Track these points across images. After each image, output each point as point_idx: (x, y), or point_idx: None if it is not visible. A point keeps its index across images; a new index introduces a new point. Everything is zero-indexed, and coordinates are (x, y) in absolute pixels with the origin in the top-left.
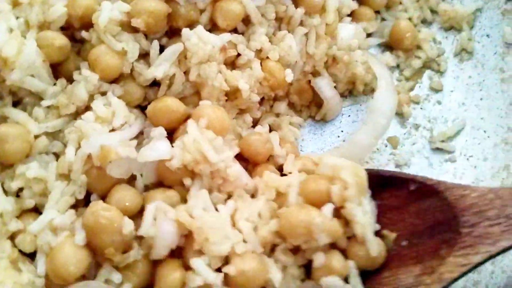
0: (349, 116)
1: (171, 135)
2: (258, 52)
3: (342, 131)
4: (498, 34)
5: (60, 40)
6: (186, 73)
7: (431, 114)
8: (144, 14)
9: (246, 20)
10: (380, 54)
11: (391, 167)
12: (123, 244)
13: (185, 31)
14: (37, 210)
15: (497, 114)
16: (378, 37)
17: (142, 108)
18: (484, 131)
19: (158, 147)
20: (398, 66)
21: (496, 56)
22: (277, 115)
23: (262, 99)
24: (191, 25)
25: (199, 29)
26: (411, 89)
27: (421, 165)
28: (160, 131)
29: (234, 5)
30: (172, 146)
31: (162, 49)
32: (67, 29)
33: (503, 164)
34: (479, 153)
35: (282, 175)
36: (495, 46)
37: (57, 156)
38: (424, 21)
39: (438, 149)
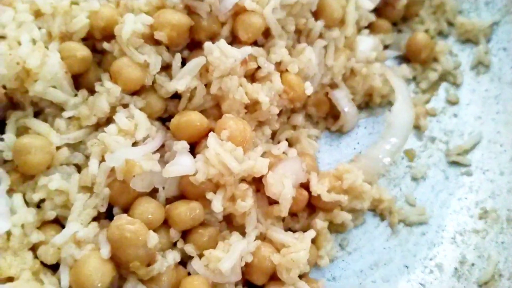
0: (365, 128)
1: (193, 147)
2: (278, 64)
3: (358, 143)
4: None
5: (82, 51)
6: (207, 85)
7: (447, 127)
8: (167, 27)
9: (266, 33)
10: (396, 66)
11: (407, 180)
12: (148, 257)
13: (207, 44)
14: (57, 221)
15: None
16: (395, 49)
17: (162, 119)
18: (501, 145)
19: (182, 162)
20: (414, 78)
21: None
22: (294, 127)
23: (280, 110)
24: (213, 38)
25: (222, 43)
26: (428, 101)
27: (437, 178)
28: (183, 145)
29: (255, 18)
30: (194, 158)
31: (183, 61)
32: (88, 39)
33: None
34: (496, 167)
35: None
36: None
37: (78, 167)
38: (440, 33)
39: (454, 162)
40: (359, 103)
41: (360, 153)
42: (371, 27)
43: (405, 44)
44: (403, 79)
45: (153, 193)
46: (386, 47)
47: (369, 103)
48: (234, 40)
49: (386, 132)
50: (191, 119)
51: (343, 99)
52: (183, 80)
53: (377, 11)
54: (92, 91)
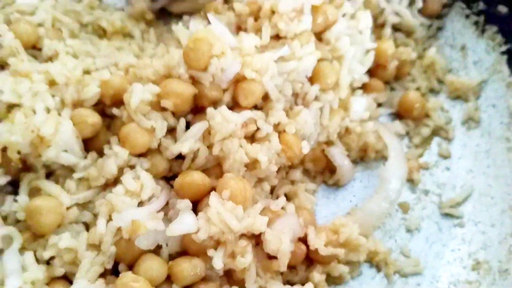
0: (361, 181)
1: (195, 205)
2: (276, 125)
3: (354, 196)
4: (503, 105)
5: (93, 118)
6: (209, 147)
7: (440, 180)
8: (172, 96)
9: (265, 96)
10: (390, 123)
11: (401, 232)
12: None
13: (210, 110)
14: (66, 278)
15: (504, 181)
16: (388, 107)
17: (166, 178)
18: (492, 198)
19: (185, 221)
20: (407, 133)
21: (502, 126)
22: (292, 181)
23: (279, 167)
24: (215, 103)
25: (223, 108)
26: (421, 155)
27: (431, 230)
28: (186, 204)
29: (254, 86)
30: (196, 215)
31: (187, 124)
32: (98, 104)
33: (510, 230)
34: (487, 219)
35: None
36: (501, 116)
37: (86, 225)
38: (432, 91)
39: (447, 215)
40: (354, 158)
41: (356, 206)
42: (364, 87)
43: (397, 101)
44: (397, 135)
45: (157, 249)
46: (379, 105)
47: (364, 157)
48: (235, 105)
49: (380, 187)
50: (194, 179)
51: (339, 156)
52: (187, 143)
53: (370, 71)
54: (101, 153)
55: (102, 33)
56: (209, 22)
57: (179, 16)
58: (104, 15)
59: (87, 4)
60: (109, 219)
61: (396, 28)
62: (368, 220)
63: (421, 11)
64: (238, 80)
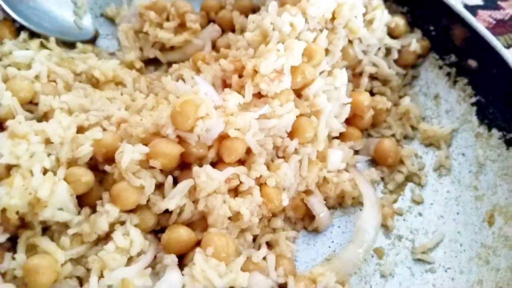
0: (339, 227)
1: (181, 258)
2: (258, 178)
3: (333, 242)
4: (472, 154)
5: (86, 177)
6: (194, 202)
7: (413, 226)
8: (161, 156)
9: (247, 150)
10: (366, 170)
11: (377, 277)
12: None
13: (196, 169)
14: None
15: (471, 229)
16: (364, 153)
17: (154, 231)
18: (461, 245)
19: (171, 279)
20: (382, 179)
21: (471, 175)
22: (274, 229)
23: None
24: (200, 159)
25: (208, 168)
26: (395, 201)
27: (404, 275)
28: (173, 259)
29: (237, 143)
30: (182, 270)
31: (174, 179)
32: (90, 159)
33: (477, 278)
34: (456, 266)
35: None
36: (470, 165)
37: (80, 279)
38: (406, 137)
39: (419, 260)
40: (332, 205)
41: (334, 252)
42: (341, 135)
43: (373, 149)
44: (372, 181)
45: None
46: (356, 151)
47: (341, 203)
48: (219, 160)
49: (356, 237)
50: (180, 235)
51: (317, 205)
52: (174, 200)
53: (347, 120)
54: (93, 207)
55: (95, 81)
56: (198, 71)
57: (169, 63)
58: (97, 64)
59: (81, 50)
60: (101, 275)
61: (372, 77)
62: (345, 268)
63: (396, 61)
64: (222, 137)
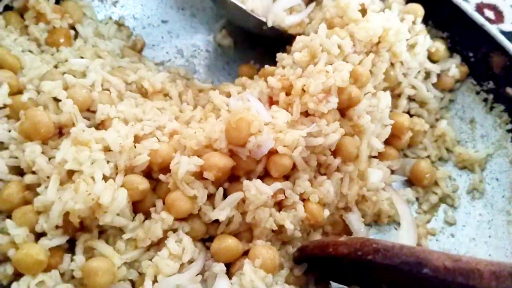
0: None
1: (227, 267)
2: (301, 194)
3: None
4: (506, 180)
5: (143, 185)
6: (242, 213)
7: (445, 246)
8: (214, 169)
9: (292, 166)
10: (402, 189)
11: None
12: None
13: (246, 183)
14: None
15: (503, 253)
16: (400, 173)
17: (203, 239)
18: None
19: (220, 287)
20: (417, 199)
21: (504, 199)
22: None
23: None
24: (249, 173)
25: (258, 182)
26: (428, 221)
27: None
28: (221, 267)
29: (285, 160)
30: (230, 279)
31: (224, 191)
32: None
33: None
34: None
35: None
36: (503, 190)
37: (132, 282)
38: (440, 159)
39: None
40: (369, 222)
41: None
42: (380, 155)
43: (409, 169)
44: (407, 201)
45: None
46: (392, 171)
47: (377, 221)
48: (266, 174)
49: None
50: (229, 245)
51: (356, 222)
52: (224, 211)
53: (385, 140)
54: (146, 214)
55: (144, 91)
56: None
57: None
58: (147, 75)
59: (130, 59)
60: (155, 279)
61: (411, 98)
62: None
63: (435, 85)
64: (271, 153)
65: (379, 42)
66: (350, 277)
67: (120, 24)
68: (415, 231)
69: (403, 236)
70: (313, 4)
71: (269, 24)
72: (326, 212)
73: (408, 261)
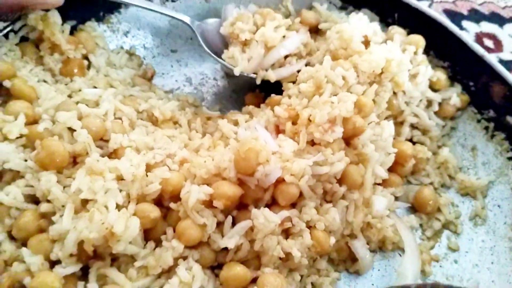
0: (379, 270)
1: None
2: (308, 221)
3: (373, 284)
4: (508, 206)
5: (155, 213)
6: (250, 241)
7: (449, 272)
8: (223, 197)
9: (299, 194)
10: (406, 216)
11: None
12: None
13: (254, 211)
14: None
15: (506, 279)
16: (403, 200)
17: (212, 267)
18: None
19: None
20: (421, 225)
21: (506, 226)
22: (318, 269)
23: None
24: (257, 201)
25: (266, 211)
26: (432, 247)
27: None
28: None
29: (292, 188)
30: None
31: (232, 219)
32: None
33: None
34: None
35: None
36: (505, 216)
37: None
38: (443, 185)
39: None
40: (373, 249)
41: None
42: (383, 182)
43: (413, 196)
44: (411, 228)
45: None
46: (396, 198)
47: (382, 248)
48: (273, 202)
49: (397, 281)
50: (238, 273)
51: (361, 249)
52: (233, 239)
53: (389, 168)
54: (157, 241)
55: (155, 119)
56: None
57: None
58: (158, 104)
59: (141, 88)
60: None
61: (413, 126)
62: None
63: (436, 113)
64: (278, 181)
65: (382, 73)
66: None
67: (131, 54)
68: (419, 257)
69: (407, 262)
70: (304, 61)
71: (258, 82)
72: (332, 240)
73: None
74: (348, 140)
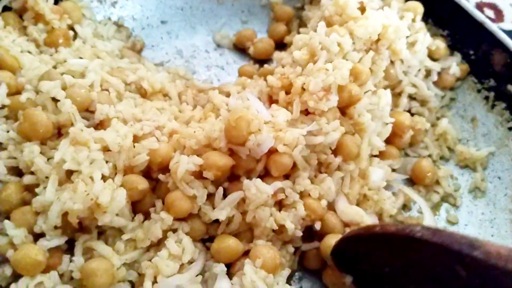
0: None
1: (228, 267)
2: (301, 192)
3: None
4: (508, 178)
5: (143, 184)
6: (242, 213)
7: None
8: (213, 168)
9: (293, 165)
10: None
11: None
12: None
13: (246, 182)
14: None
15: None
16: (402, 172)
17: (202, 239)
18: None
19: (221, 287)
20: None
21: (506, 198)
22: None
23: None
24: (249, 172)
25: (258, 181)
26: None
27: None
28: (222, 268)
29: (285, 159)
30: (230, 279)
31: (224, 191)
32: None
33: None
34: None
35: None
36: (506, 188)
37: (131, 283)
38: (442, 158)
39: None
40: None
41: None
42: (380, 154)
43: (411, 168)
44: (409, 201)
45: None
46: (394, 170)
47: (379, 220)
48: (266, 173)
49: None
50: (229, 245)
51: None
52: (224, 211)
53: (386, 139)
54: (145, 214)
55: (144, 92)
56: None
57: None
58: (147, 75)
59: (129, 60)
60: (154, 280)
61: (411, 97)
62: None
63: (435, 83)
64: (271, 152)
65: (378, 40)
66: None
67: (119, 25)
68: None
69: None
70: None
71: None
72: (324, 202)
73: (460, 241)
74: (343, 109)
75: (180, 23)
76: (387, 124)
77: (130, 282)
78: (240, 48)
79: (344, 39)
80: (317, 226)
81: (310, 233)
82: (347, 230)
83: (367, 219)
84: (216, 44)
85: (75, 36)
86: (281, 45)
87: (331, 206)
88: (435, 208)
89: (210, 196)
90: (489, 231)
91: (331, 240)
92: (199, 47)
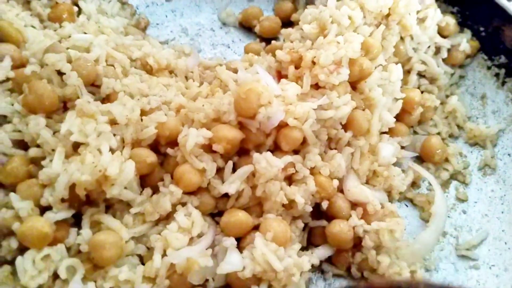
0: None
1: (238, 240)
2: (311, 168)
3: None
4: None
5: (151, 158)
6: (252, 187)
7: (457, 223)
8: (223, 141)
9: (303, 140)
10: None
11: (421, 271)
12: None
13: (256, 155)
14: None
15: None
16: (411, 150)
17: (212, 214)
18: (505, 243)
19: (232, 260)
20: None
21: None
22: None
23: None
24: (259, 146)
25: (268, 154)
26: None
27: (448, 271)
28: (232, 242)
29: (295, 133)
30: (241, 252)
31: (233, 165)
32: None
33: None
34: (501, 263)
35: None
36: None
37: (140, 257)
38: (451, 135)
39: (463, 256)
40: None
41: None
42: (390, 131)
43: (420, 145)
44: (418, 178)
45: (204, 283)
46: (403, 147)
47: (388, 197)
48: (276, 148)
49: (432, 220)
50: (239, 219)
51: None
52: (234, 184)
53: (396, 116)
54: (154, 188)
55: (149, 68)
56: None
57: None
58: (152, 52)
59: (134, 38)
60: (164, 253)
61: (420, 74)
62: (423, 251)
63: (445, 60)
64: (281, 126)
65: (389, 15)
66: None
67: (123, 2)
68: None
69: (440, 202)
70: None
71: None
72: (335, 182)
73: None
74: (354, 84)
75: (185, 1)
76: (397, 99)
77: (139, 256)
78: (246, 27)
79: (355, 12)
80: (324, 205)
81: (318, 211)
82: (353, 213)
83: (373, 198)
84: (222, 22)
85: (79, 12)
86: (287, 24)
87: (339, 185)
88: (444, 185)
89: (220, 170)
90: (499, 208)
91: (336, 227)
92: (204, 25)
